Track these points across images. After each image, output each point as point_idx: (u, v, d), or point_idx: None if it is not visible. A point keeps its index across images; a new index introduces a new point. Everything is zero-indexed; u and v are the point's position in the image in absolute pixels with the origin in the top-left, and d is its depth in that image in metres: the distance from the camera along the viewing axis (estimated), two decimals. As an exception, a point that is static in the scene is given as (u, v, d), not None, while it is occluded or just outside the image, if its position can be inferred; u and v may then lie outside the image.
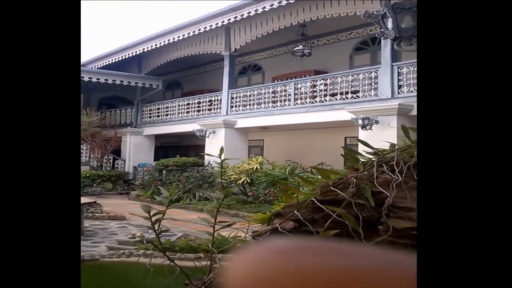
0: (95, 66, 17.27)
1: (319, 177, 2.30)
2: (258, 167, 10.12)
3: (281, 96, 11.75)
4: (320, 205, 1.71)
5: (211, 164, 11.74)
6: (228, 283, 0.35)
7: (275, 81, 13.71)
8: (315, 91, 11.08)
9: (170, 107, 15.78)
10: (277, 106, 11.78)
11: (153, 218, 2.55)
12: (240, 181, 10.08)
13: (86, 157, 15.62)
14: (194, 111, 14.70)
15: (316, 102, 10.95)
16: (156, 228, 2.65)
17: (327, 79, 10.88)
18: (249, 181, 10.14)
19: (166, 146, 18.06)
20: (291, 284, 0.33)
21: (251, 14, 11.17)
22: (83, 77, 14.83)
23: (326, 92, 10.78)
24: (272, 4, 10.47)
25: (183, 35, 13.32)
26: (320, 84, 10.92)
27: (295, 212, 1.78)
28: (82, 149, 15.41)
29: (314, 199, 1.77)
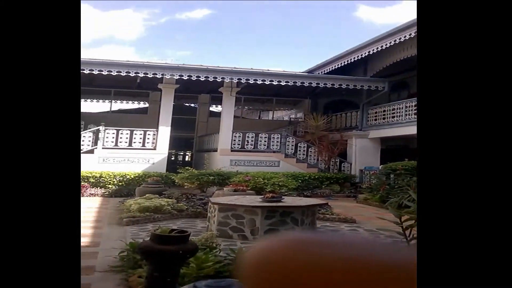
0: (321, 72, 17.99)
1: None
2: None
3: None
4: None
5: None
6: (243, 269, 0.37)
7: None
8: None
9: (397, 109, 15.23)
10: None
11: (404, 225, 2.35)
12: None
13: (314, 159, 16.38)
14: (423, 112, 13.73)
15: None
16: (408, 235, 2.45)
17: None
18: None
19: (392, 149, 17.49)
20: (301, 272, 0.34)
21: None
22: (311, 84, 15.64)
23: None
24: None
25: (410, 34, 12.67)
26: None
27: None
28: (311, 151, 16.25)
29: None
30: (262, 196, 7.59)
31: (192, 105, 21.79)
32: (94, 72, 13.76)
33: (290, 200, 7.76)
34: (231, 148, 15.66)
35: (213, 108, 21.85)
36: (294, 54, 75.28)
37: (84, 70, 13.55)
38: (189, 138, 20.05)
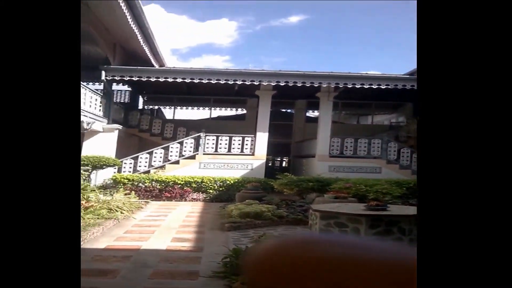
0: None
1: None
2: None
3: None
4: None
5: None
6: (249, 266, 0.38)
7: None
8: None
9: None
10: None
11: None
12: None
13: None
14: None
15: None
16: None
17: None
18: None
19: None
20: (305, 270, 0.35)
21: None
22: (414, 86, 14.66)
23: None
24: None
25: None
26: None
27: None
28: (415, 157, 15.22)
29: None
30: (366, 204, 7.16)
31: (289, 110, 21.73)
32: (195, 80, 14.25)
33: (395, 209, 7.21)
34: (329, 153, 15.26)
35: (310, 114, 21.60)
36: (394, 56, 72.24)
37: (185, 79, 14.12)
38: (286, 144, 20.00)
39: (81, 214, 8.01)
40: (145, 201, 11.34)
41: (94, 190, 9.90)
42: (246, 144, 15.18)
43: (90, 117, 11.92)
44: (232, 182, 13.51)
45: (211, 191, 13.27)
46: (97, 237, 7.01)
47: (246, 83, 14.25)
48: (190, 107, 21.75)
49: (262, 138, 15.16)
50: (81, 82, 12.89)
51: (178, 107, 21.60)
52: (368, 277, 0.34)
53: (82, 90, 12.68)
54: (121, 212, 9.03)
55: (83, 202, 8.72)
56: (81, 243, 6.23)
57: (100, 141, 13.85)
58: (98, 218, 8.09)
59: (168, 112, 21.81)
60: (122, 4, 10.89)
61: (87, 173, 10.55)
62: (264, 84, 14.20)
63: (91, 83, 17.15)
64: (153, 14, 65.60)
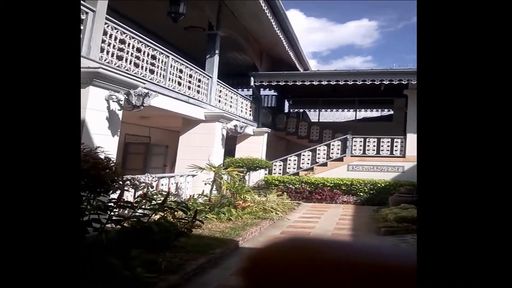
0: None
1: None
2: None
3: None
4: None
5: None
6: (247, 267, 0.39)
7: None
8: None
9: None
10: None
11: None
12: None
13: None
14: None
15: None
16: None
17: None
18: None
19: None
20: (302, 272, 0.36)
21: None
22: None
23: None
24: None
25: None
26: None
27: None
28: None
29: None
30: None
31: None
32: (340, 82, 14.08)
33: None
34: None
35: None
36: None
37: (330, 81, 14.06)
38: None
39: (239, 213, 8.46)
40: (297, 203, 11.52)
41: (249, 191, 10.37)
42: (396, 146, 14.45)
43: (242, 122, 12.56)
44: (383, 185, 12.97)
45: (361, 193, 12.93)
46: (255, 236, 7.29)
47: (394, 82, 13.60)
48: (334, 109, 21.59)
49: (413, 140, 14.26)
50: (234, 89, 13.69)
51: (323, 110, 21.60)
52: (368, 280, 0.35)
53: (234, 96, 13.46)
54: (276, 213, 9.29)
55: (240, 202, 9.20)
56: (241, 242, 6.53)
57: (251, 144, 14.54)
58: (255, 218, 8.44)
59: (313, 115, 21.95)
60: (267, 11, 11.27)
61: (243, 174, 11.12)
62: (413, 82, 13.34)
63: (241, 89, 18.13)
64: (293, 19, 67.09)
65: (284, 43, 13.72)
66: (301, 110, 21.89)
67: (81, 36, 6.26)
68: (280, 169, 14.66)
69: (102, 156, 4.08)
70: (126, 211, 5.75)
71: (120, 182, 4.12)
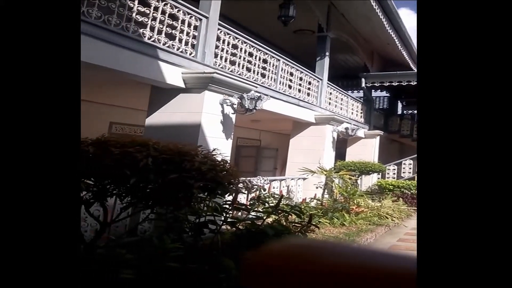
0: None
1: None
2: None
3: None
4: None
5: None
6: (251, 270, 0.39)
7: None
8: None
9: None
10: None
11: None
12: None
13: None
14: None
15: None
16: None
17: None
18: None
19: None
20: (304, 277, 0.36)
21: None
22: None
23: None
24: None
25: None
26: None
27: None
28: None
29: None
30: None
31: None
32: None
33: None
34: None
35: None
36: None
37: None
38: None
39: (353, 219, 8.13)
40: (413, 209, 10.80)
41: (363, 196, 9.97)
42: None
43: (353, 124, 12.16)
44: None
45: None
46: (370, 243, 6.95)
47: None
48: (453, 109, 19.98)
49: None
50: (344, 91, 13.33)
51: (440, 110, 20.12)
52: (367, 285, 0.34)
53: (344, 98, 13.10)
54: (392, 219, 8.78)
55: (353, 207, 8.86)
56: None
57: (362, 147, 14.03)
58: (369, 224, 8.06)
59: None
60: (378, 11, 10.80)
61: (355, 178, 10.73)
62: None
63: (351, 91, 17.63)
64: (404, 17, 64.07)
65: (397, 42, 13.04)
66: (416, 112, 20.65)
67: (196, 42, 6.52)
68: (394, 173, 13.91)
69: (219, 158, 4.15)
70: (239, 213, 5.82)
71: (236, 184, 4.15)
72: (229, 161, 5.51)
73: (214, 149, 4.60)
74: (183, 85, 6.26)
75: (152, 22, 5.73)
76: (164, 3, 5.94)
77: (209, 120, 6.41)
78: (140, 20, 5.55)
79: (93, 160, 2.55)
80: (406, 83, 13.81)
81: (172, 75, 6.06)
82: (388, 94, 19.13)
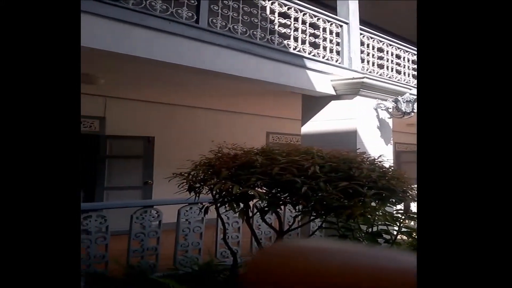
0: None
1: None
2: None
3: None
4: None
5: None
6: (249, 272, 0.39)
7: None
8: None
9: None
10: None
11: None
12: None
13: None
14: None
15: None
16: None
17: None
18: None
19: None
20: (301, 277, 0.36)
21: None
22: None
23: None
24: None
25: None
26: None
27: None
28: None
29: None
30: None
31: None
32: None
33: None
34: None
35: None
36: None
37: None
38: None
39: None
40: None
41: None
42: None
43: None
44: None
45: None
46: None
47: None
48: None
49: None
50: None
51: None
52: (368, 285, 0.34)
53: None
54: None
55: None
56: None
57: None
58: None
59: None
60: None
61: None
62: None
63: None
64: None
65: None
66: None
67: (340, 49, 6.32)
68: None
69: (386, 165, 3.82)
70: (412, 223, 5.32)
71: (410, 192, 3.77)
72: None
73: (380, 155, 4.27)
74: (333, 92, 6.11)
75: (295, 32, 5.71)
76: (303, 13, 5.89)
77: (364, 126, 6.11)
78: (282, 31, 5.57)
79: (262, 169, 2.48)
80: None
81: (321, 83, 5.95)
82: None
